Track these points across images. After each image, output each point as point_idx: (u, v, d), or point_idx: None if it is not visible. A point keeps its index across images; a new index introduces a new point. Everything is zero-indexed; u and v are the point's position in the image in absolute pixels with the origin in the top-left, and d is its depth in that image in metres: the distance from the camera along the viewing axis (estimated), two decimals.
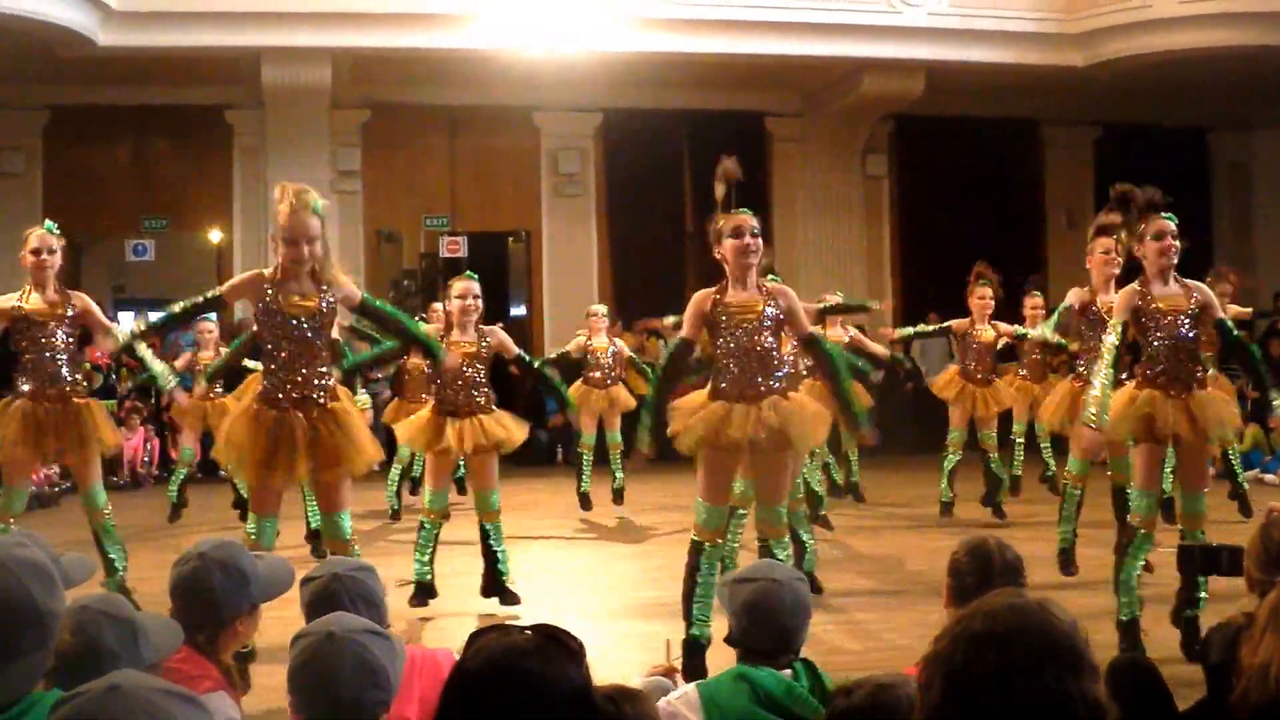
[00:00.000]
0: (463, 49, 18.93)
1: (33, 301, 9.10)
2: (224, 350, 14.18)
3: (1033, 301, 14.60)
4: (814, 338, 7.95)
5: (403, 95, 21.33)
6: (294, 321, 7.36)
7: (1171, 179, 23.65)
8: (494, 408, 9.90)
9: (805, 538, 10.09)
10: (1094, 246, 10.62)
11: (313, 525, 11.74)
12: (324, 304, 7.43)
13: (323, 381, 7.47)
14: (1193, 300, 8.27)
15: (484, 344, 9.85)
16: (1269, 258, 24.11)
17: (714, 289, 7.73)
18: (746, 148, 22.87)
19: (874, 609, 9.85)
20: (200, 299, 7.72)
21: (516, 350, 10.14)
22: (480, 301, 9.92)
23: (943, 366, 22.20)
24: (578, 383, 15.12)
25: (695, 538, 7.65)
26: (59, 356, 9.15)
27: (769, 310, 7.61)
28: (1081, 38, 20.13)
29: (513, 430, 9.88)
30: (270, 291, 7.35)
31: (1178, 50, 19.44)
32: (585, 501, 15.20)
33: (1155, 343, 8.12)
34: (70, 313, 9.19)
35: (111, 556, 9.08)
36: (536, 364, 10.38)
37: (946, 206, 22.83)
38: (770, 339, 7.67)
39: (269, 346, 7.45)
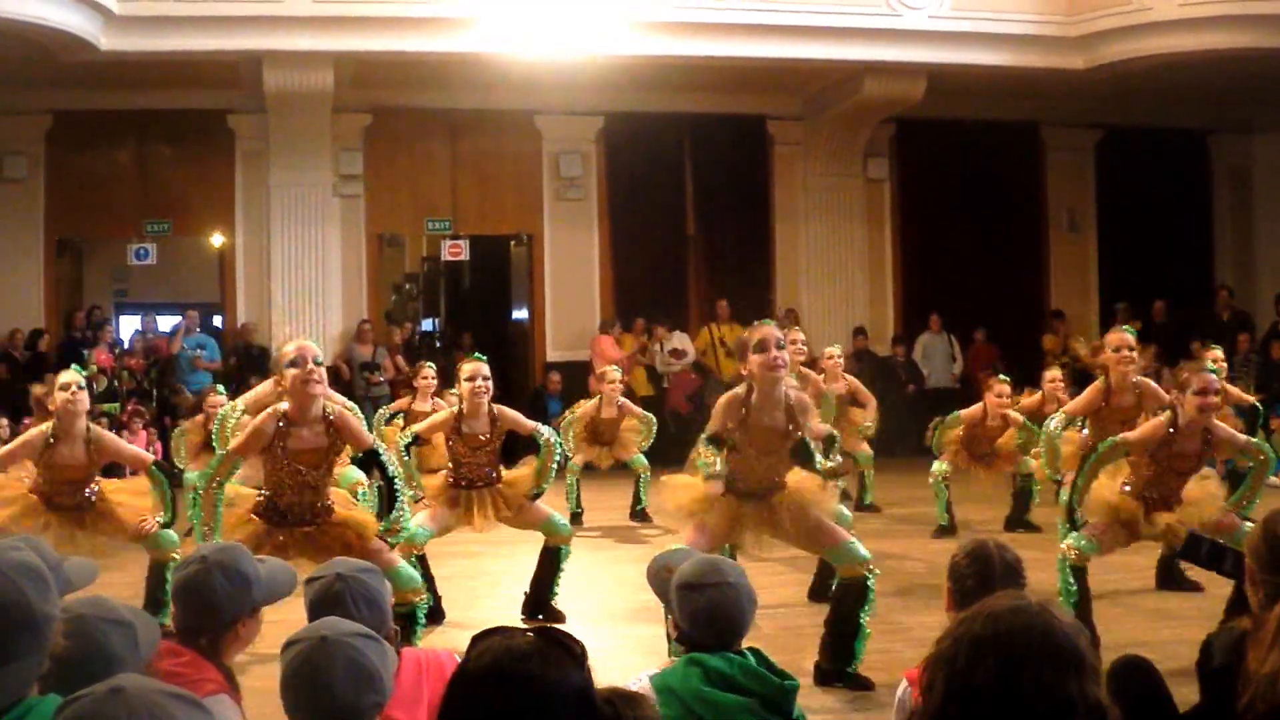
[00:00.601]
0: (464, 53, 18.93)
1: (61, 455, 8.88)
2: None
3: (1051, 374, 14.41)
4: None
5: (404, 99, 21.33)
6: (300, 470, 7.50)
7: (1172, 182, 23.87)
8: (502, 470, 10.00)
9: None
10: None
11: None
12: (331, 445, 7.57)
13: (322, 506, 7.63)
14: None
15: (495, 429, 9.89)
16: (1269, 261, 24.08)
17: (742, 395, 7.68)
18: (747, 151, 22.99)
19: (874, 611, 9.85)
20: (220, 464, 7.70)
21: (530, 425, 10.11)
22: (490, 383, 9.91)
23: (946, 369, 22.29)
24: (580, 429, 15.13)
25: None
26: (77, 485, 9.05)
27: (793, 430, 7.69)
28: (1082, 40, 20.12)
29: (525, 480, 9.94)
30: (280, 433, 7.45)
31: (1178, 53, 19.43)
32: (575, 520, 15.14)
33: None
34: (97, 472, 9.14)
35: (166, 601, 8.88)
36: (548, 435, 10.27)
37: (948, 210, 22.83)
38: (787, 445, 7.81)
39: (271, 480, 7.57)
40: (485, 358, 10.10)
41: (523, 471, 10.09)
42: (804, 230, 22.64)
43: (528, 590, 9.80)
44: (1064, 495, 8.65)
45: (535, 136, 22.30)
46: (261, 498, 7.65)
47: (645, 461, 15.12)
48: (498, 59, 19.03)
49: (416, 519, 9.47)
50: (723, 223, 22.69)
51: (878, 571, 7.83)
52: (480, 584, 10.05)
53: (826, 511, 7.95)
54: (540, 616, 9.59)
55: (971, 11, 19.82)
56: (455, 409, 9.98)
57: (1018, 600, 2.74)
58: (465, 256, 21.92)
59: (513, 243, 23.74)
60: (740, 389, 7.71)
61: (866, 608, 7.73)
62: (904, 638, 8.70)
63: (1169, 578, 10.19)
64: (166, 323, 22.19)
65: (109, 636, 3.31)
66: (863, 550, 7.81)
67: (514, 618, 9.41)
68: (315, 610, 4.22)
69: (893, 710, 4.81)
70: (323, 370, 7.54)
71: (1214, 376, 8.17)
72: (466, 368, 9.97)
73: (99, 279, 24.30)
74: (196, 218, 22.01)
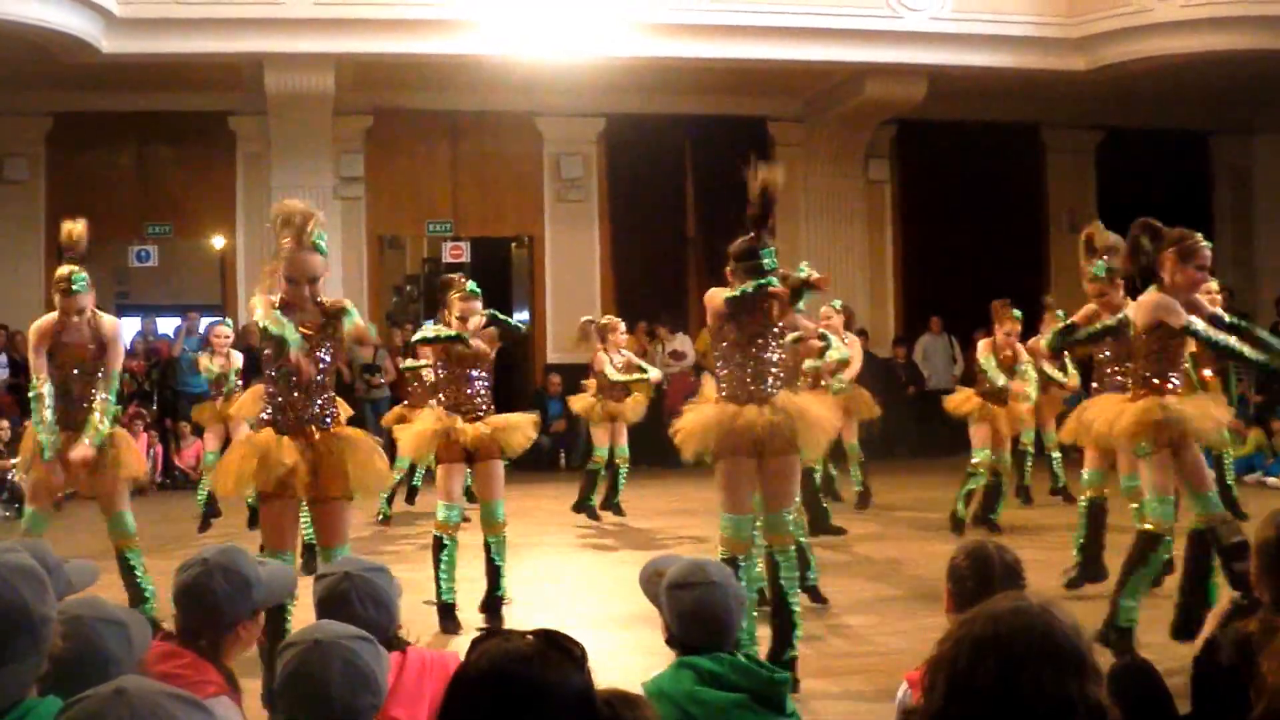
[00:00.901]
0: (465, 54, 18.95)
1: (69, 334, 9.06)
2: (234, 354, 14.25)
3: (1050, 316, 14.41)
4: None
5: (405, 101, 21.36)
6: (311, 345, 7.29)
7: (1173, 183, 23.87)
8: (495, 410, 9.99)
9: (803, 542, 10.11)
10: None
11: (307, 539, 11.56)
12: (327, 330, 7.37)
13: (326, 406, 7.42)
14: None
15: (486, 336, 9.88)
16: (1270, 262, 24.11)
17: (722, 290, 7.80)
18: (748, 153, 22.97)
19: (874, 613, 9.85)
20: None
21: (492, 328, 10.04)
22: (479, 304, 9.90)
23: (947, 371, 22.29)
24: (587, 395, 15.23)
25: (724, 553, 7.60)
26: (86, 390, 9.10)
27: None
28: (1083, 42, 20.13)
29: (519, 424, 9.95)
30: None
31: (1179, 55, 19.45)
32: (593, 513, 15.19)
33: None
34: (100, 342, 9.19)
35: (141, 586, 8.91)
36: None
37: (948, 211, 22.84)
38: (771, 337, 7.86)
39: (270, 371, 7.39)
40: (479, 291, 10.05)
41: (515, 418, 10.11)
42: (805, 231, 22.63)
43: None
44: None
45: (536, 138, 22.33)
46: (264, 407, 7.50)
47: (627, 453, 15.17)
48: (498, 61, 19.05)
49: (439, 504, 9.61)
50: (723, 224, 22.48)
51: (789, 550, 7.85)
52: (483, 587, 10.03)
53: (814, 440, 8.03)
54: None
55: (972, 13, 19.85)
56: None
57: (1018, 601, 2.74)
58: (466, 258, 21.91)
59: (514, 244, 23.77)
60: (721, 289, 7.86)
61: (787, 585, 7.78)
62: (904, 639, 8.69)
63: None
64: (167, 325, 22.19)
65: (104, 636, 3.32)
66: (789, 524, 7.94)
67: (518, 619, 9.41)
68: (322, 608, 4.28)
69: (894, 712, 4.81)
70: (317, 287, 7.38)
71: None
72: (458, 304, 9.86)
73: (100, 281, 24.01)
74: (197, 220, 22.03)
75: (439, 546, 9.65)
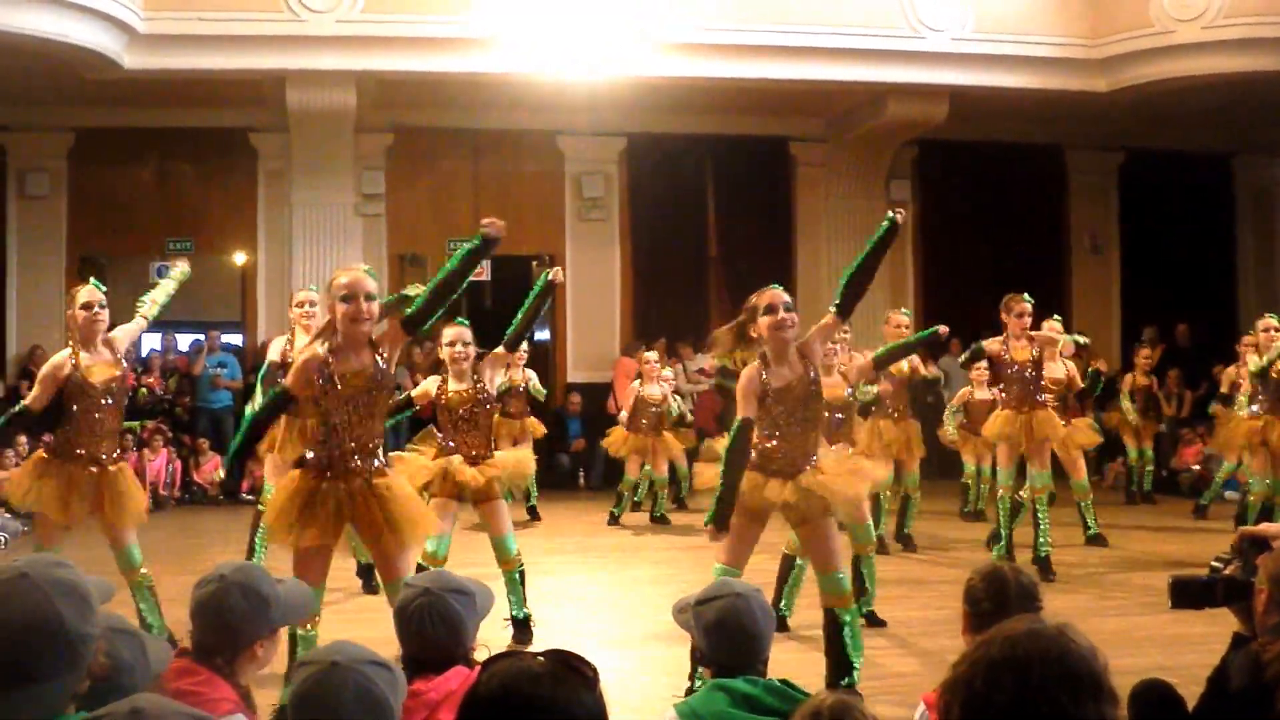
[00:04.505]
0: (487, 73, 18.96)
1: (84, 362, 9.04)
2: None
3: (1050, 324, 14.36)
4: None
5: (427, 119, 21.37)
6: (347, 396, 7.19)
7: (1196, 204, 23.85)
8: (494, 453, 10.01)
9: (865, 572, 10.16)
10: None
11: (362, 561, 11.52)
12: (379, 371, 7.27)
13: (372, 452, 7.31)
14: None
15: (479, 384, 9.86)
16: None
17: (758, 366, 7.76)
18: (770, 173, 23.00)
19: (891, 634, 9.84)
20: (270, 400, 7.46)
21: (501, 350, 10.04)
22: (471, 349, 9.89)
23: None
24: (620, 429, 15.81)
25: None
26: (104, 423, 9.11)
27: (813, 376, 7.75)
28: (1105, 63, 20.11)
29: (517, 466, 10.03)
30: (325, 369, 7.18)
31: (1201, 75, 19.42)
32: (613, 519, 15.78)
33: None
34: (121, 375, 9.20)
35: (148, 620, 8.91)
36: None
37: (970, 232, 22.83)
38: (815, 405, 7.84)
39: (322, 418, 7.28)
40: (467, 322, 10.07)
41: (512, 460, 10.14)
42: (826, 251, 22.61)
43: None
44: None
45: (557, 157, 22.34)
46: (310, 450, 7.39)
47: (666, 480, 15.75)
48: (520, 79, 19.07)
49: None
50: (745, 244, 22.67)
51: (855, 609, 7.85)
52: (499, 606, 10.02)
53: (845, 509, 8.09)
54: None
55: (994, 34, 19.83)
56: (441, 377, 9.98)
57: (1034, 623, 2.73)
58: (487, 277, 21.91)
59: (534, 263, 23.77)
60: (754, 363, 7.76)
61: (849, 643, 7.72)
62: (921, 662, 8.68)
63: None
64: (186, 341, 22.23)
65: (119, 646, 3.32)
66: (846, 584, 7.87)
67: (537, 639, 9.41)
68: (396, 618, 4.46)
69: None
70: (375, 306, 7.24)
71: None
72: (448, 332, 9.93)
73: (121, 297, 24.09)
74: (218, 236, 22.05)
75: None
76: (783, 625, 9.55)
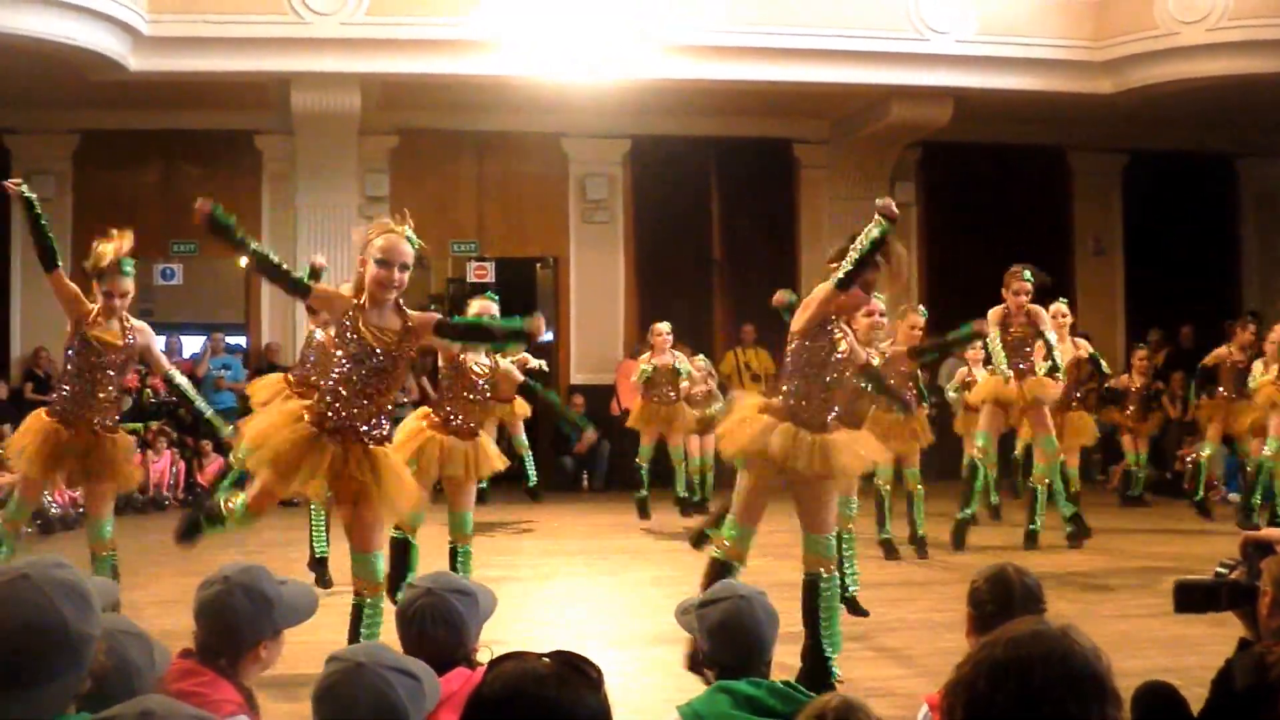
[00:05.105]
0: (491, 75, 18.95)
1: (97, 326, 9.09)
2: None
3: (1055, 307, 14.53)
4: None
5: (431, 121, 21.37)
6: (370, 349, 7.24)
7: (1200, 206, 23.83)
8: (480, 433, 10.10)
9: (846, 554, 10.16)
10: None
11: (318, 553, 11.54)
12: (404, 338, 7.31)
13: (376, 423, 7.34)
14: None
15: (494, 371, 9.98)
16: None
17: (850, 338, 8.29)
18: (774, 175, 22.99)
19: (895, 636, 9.83)
20: (294, 276, 7.58)
21: (520, 378, 10.22)
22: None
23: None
24: (639, 400, 15.75)
25: (719, 554, 7.68)
26: (105, 389, 9.13)
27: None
28: (1110, 65, 20.10)
29: (493, 461, 10.11)
30: (352, 315, 7.26)
31: (1205, 78, 19.41)
32: (643, 508, 15.67)
33: None
34: (130, 347, 9.22)
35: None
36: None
37: (974, 234, 22.77)
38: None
39: (337, 369, 7.36)
40: (496, 297, 10.14)
41: (488, 447, 10.24)
42: (830, 253, 22.55)
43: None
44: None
45: (561, 159, 22.34)
46: (319, 400, 7.42)
47: (711, 462, 15.93)
48: (524, 82, 19.06)
49: None
50: (748, 246, 22.66)
51: (830, 576, 7.88)
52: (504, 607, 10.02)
53: (842, 481, 8.29)
54: None
55: (998, 36, 19.82)
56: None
57: (1038, 625, 2.73)
58: (491, 279, 21.92)
59: (539, 265, 23.78)
60: (842, 333, 8.28)
61: (824, 611, 7.78)
62: (924, 663, 8.67)
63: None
64: (191, 343, 22.24)
65: (127, 648, 3.33)
66: (832, 549, 7.97)
67: (542, 640, 9.40)
68: (398, 618, 4.46)
69: None
70: (406, 277, 7.35)
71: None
72: (475, 305, 10.01)
73: None
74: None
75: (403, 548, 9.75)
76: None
